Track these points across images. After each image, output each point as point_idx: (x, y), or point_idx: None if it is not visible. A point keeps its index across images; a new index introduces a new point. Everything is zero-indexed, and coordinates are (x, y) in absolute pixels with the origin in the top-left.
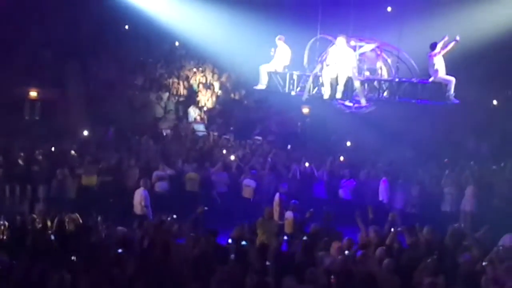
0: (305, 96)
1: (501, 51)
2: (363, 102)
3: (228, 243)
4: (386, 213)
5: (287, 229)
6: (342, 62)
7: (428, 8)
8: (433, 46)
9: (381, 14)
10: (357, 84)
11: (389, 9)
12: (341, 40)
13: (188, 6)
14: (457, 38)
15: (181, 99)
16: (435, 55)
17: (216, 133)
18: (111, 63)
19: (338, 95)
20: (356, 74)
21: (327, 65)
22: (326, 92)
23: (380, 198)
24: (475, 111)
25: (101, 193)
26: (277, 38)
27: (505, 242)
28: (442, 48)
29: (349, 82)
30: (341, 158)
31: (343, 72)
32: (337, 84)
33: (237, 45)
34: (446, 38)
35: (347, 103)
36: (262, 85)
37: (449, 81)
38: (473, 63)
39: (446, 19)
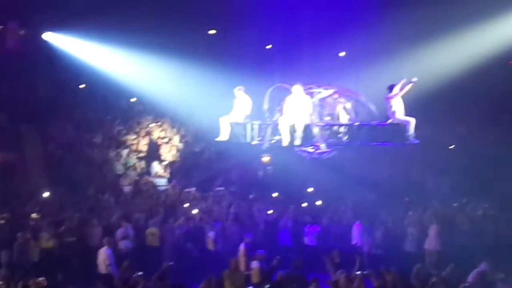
0: (265, 144)
1: (455, 91)
2: (323, 147)
3: None
4: (353, 256)
5: (254, 279)
6: (299, 110)
7: (383, 52)
8: (391, 88)
9: (337, 59)
10: (315, 130)
11: (342, 54)
12: (297, 88)
13: (143, 61)
14: (414, 79)
15: (141, 154)
16: (393, 97)
17: (178, 187)
18: (68, 123)
19: (297, 142)
20: (316, 120)
21: (285, 113)
22: (284, 140)
23: (354, 242)
24: (432, 149)
25: (64, 254)
26: (236, 89)
27: (472, 278)
28: (400, 90)
29: (307, 128)
30: (304, 205)
31: (300, 119)
32: (295, 131)
33: (196, 97)
34: (404, 80)
35: (309, 149)
36: (223, 137)
37: (408, 122)
38: (428, 103)
39: (401, 61)
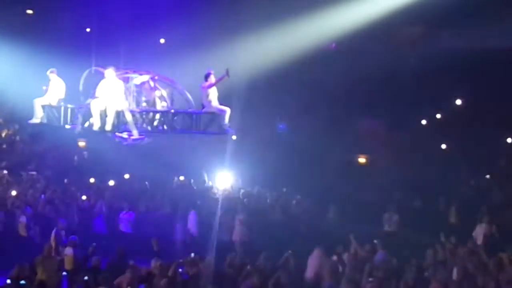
0: (78, 129)
1: (273, 82)
2: (135, 134)
3: (6, 284)
4: (170, 244)
5: (67, 265)
6: (111, 94)
7: (202, 40)
8: (207, 76)
9: (156, 46)
10: (128, 116)
11: (162, 41)
12: (109, 72)
13: None
14: (228, 72)
15: None
16: (208, 86)
17: None
18: None
19: (108, 127)
20: (133, 106)
21: (96, 97)
22: (95, 124)
23: (192, 231)
24: (250, 140)
25: None
26: (48, 71)
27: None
28: (216, 80)
29: (120, 114)
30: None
31: (112, 104)
32: (106, 116)
33: (10, 78)
34: (223, 71)
35: (124, 135)
36: (37, 119)
37: (223, 111)
38: (246, 94)
39: (219, 50)
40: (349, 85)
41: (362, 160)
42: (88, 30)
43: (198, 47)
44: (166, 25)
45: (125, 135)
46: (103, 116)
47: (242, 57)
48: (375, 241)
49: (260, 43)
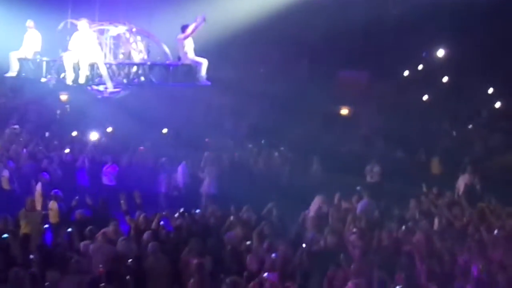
0: (52, 82)
1: (254, 33)
2: (110, 86)
3: None
4: (153, 197)
5: (52, 219)
6: (84, 47)
7: None
8: (184, 28)
9: None
10: (102, 68)
11: None
12: (82, 24)
13: None
14: (204, 17)
15: None
16: (185, 38)
17: None
18: None
19: (81, 80)
20: (109, 58)
21: (69, 50)
22: (68, 77)
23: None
24: (232, 92)
25: None
26: (27, 23)
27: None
28: (192, 31)
29: (94, 67)
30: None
31: (85, 56)
32: (79, 68)
33: None
34: (198, 20)
35: (100, 87)
36: (12, 73)
37: (199, 63)
38: (227, 45)
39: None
40: (331, 36)
41: (344, 111)
42: None
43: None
44: None
45: (101, 87)
46: (76, 69)
47: (222, 8)
48: (358, 187)
49: None
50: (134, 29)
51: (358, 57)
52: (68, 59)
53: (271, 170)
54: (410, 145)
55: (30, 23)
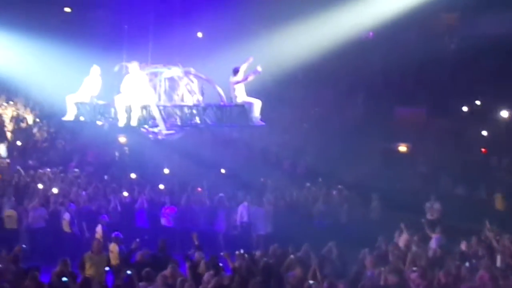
0: (106, 125)
1: (308, 73)
2: (163, 128)
3: (51, 280)
4: (210, 238)
5: (113, 261)
6: (136, 89)
7: (236, 33)
8: (235, 70)
9: (187, 40)
10: (155, 110)
11: (199, 34)
12: (133, 67)
13: None
14: (258, 69)
15: None
16: (236, 83)
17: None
18: None
19: (133, 122)
20: (164, 100)
21: (121, 92)
22: (120, 120)
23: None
24: (289, 131)
25: None
26: (92, 67)
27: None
28: (244, 78)
29: (147, 109)
30: (161, 186)
31: (136, 99)
32: (131, 111)
33: (47, 76)
34: (250, 59)
35: (155, 129)
36: (70, 116)
37: (252, 104)
38: (284, 85)
39: (254, 44)
40: (387, 72)
41: (402, 148)
42: (125, 27)
43: (232, 40)
44: (200, 18)
45: (156, 129)
46: (128, 111)
47: (278, 48)
48: (401, 225)
49: (297, 35)
50: (188, 71)
51: (414, 93)
52: (119, 102)
53: (329, 208)
54: (470, 181)
55: (96, 69)
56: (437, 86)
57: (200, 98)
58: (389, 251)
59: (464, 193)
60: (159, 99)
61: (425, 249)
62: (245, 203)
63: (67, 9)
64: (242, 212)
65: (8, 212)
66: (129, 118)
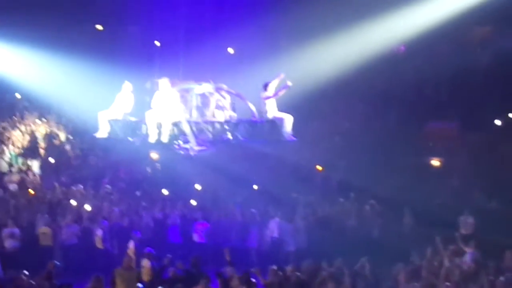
0: (137, 141)
1: (341, 87)
2: (193, 144)
3: None
4: (242, 253)
5: (145, 277)
6: (166, 105)
7: (266, 48)
8: (266, 85)
9: (220, 55)
10: (185, 126)
11: (230, 50)
12: (163, 83)
13: (29, 57)
14: (289, 83)
15: (23, 151)
16: (266, 98)
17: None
18: None
19: (164, 138)
20: (196, 116)
21: (152, 109)
22: (151, 136)
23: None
24: (320, 146)
25: None
26: (125, 84)
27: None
28: (275, 93)
29: (178, 125)
30: (193, 202)
31: (167, 115)
32: (161, 127)
33: (80, 94)
34: (281, 76)
35: (187, 145)
36: (103, 133)
37: (282, 119)
38: (315, 100)
39: (284, 58)
40: (419, 87)
41: (435, 163)
42: (157, 44)
43: (263, 55)
44: (230, 34)
45: (187, 145)
46: (159, 127)
47: (309, 64)
48: (437, 239)
49: (328, 49)
50: (220, 87)
51: (447, 106)
52: (150, 118)
53: (362, 224)
54: (504, 195)
55: (128, 86)
56: (470, 100)
57: (233, 114)
58: (422, 266)
59: (497, 208)
60: (190, 115)
61: (459, 264)
62: (277, 219)
63: (99, 27)
64: (273, 228)
65: (43, 229)
66: (160, 134)
